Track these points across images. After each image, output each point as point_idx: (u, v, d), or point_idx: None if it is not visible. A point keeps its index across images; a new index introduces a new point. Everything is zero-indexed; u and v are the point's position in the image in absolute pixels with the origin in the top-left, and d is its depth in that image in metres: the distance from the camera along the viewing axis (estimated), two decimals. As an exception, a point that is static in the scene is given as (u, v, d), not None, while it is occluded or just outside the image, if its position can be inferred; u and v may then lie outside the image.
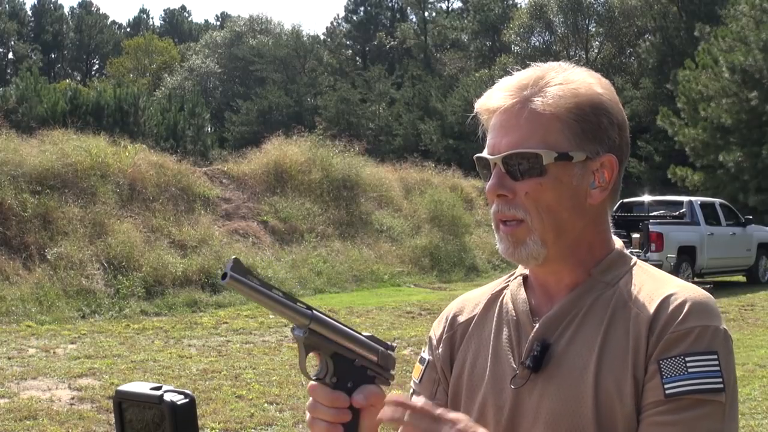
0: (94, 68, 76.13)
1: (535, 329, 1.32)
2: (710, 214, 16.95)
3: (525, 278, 1.41)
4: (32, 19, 74.31)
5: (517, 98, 1.30)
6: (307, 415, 1.26)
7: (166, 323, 11.54)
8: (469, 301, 1.48)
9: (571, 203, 1.29)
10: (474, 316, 1.45)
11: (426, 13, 57.17)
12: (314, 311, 1.18)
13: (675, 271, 13.34)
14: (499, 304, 1.42)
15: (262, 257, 15.47)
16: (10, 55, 70.14)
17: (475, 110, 1.35)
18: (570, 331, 1.31)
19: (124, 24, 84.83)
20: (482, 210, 21.79)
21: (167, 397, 1.04)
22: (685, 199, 17.55)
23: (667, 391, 1.21)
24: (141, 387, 1.06)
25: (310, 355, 1.20)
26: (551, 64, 1.34)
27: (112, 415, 1.11)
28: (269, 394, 7.44)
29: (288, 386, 7.73)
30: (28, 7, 74.90)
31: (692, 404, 1.20)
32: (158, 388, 1.05)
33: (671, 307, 1.26)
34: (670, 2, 36.07)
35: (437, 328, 1.49)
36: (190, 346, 9.92)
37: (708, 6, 33.95)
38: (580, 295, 1.32)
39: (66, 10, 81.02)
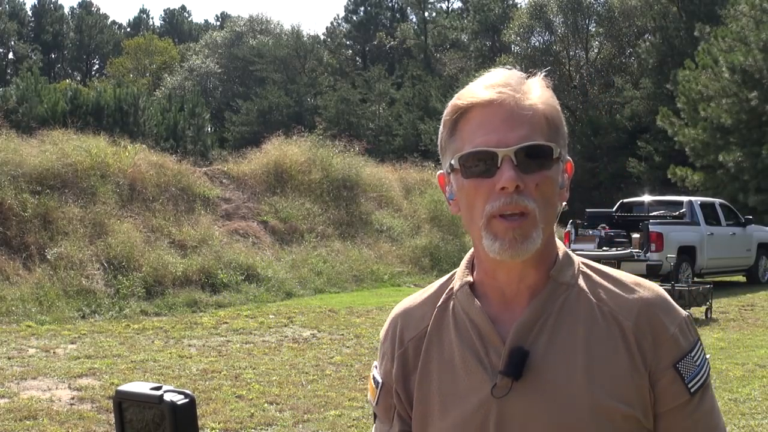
0: (94, 68, 76.18)
1: (510, 336, 1.30)
2: (710, 214, 16.93)
3: (470, 285, 1.38)
4: (32, 19, 74.33)
5: (515, 93, 1.30)
6: None
7: (166, 323, 11.53)
8: (412, 313, 1.43)
9: (556, 199, 1.33)
10: (424, 329, 1.40)
11: (426, 13, 57.15)
12: None
13: (675, 271, 13.30)
14: (451, 315, 1.38)
15: (262, 257, 15.46)
16: (10, 55, 70.14)
17: (461, 103, 1.31)
18: (544, 336, 1.31)
19: (124, 24, 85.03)
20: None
21: (167, 397, 1.04)
22: (685, 199, 17.52)
23: (692, 389, 1.31)
24: (141, 387, 1.06)
25: None
26: (514, 71, 1.35)
27: (112, 415, 1.11)
28: (269, 394, 7.43)
29: (288, 386, 7.73)
30: (28, 7, 75.06)
31: (704, 391, 1.34)
32: (158, 388, 1.05)
33: (652, 310, 1.32)
34: (670, 2, 36.02)
35: (385, 345, 1.44)
36: (190, 346, 9.91)
37: (708, 6, 33.90)
38: (546, 299, 1.33)
39: (66, 10, 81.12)
